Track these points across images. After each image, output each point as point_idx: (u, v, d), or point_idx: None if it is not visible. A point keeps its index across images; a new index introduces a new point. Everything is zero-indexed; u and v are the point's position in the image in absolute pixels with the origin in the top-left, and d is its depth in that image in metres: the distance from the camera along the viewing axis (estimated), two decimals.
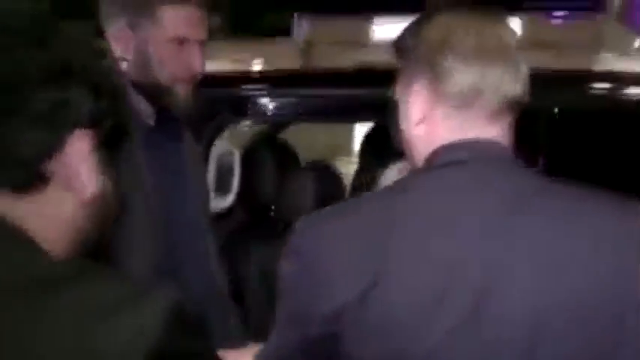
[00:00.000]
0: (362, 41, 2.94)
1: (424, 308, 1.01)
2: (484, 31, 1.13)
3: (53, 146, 0.83)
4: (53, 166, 0.83)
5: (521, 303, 1.01)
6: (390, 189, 1.17)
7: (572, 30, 3.23)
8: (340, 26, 3.83)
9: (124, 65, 1.68)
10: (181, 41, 1.69)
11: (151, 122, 1.75)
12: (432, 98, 1.11)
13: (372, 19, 3.46)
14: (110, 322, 0.74)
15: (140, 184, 1.64)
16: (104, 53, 0.90)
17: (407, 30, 1.19)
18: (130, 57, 1.69)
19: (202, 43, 1.71)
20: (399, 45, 1.19)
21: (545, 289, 1.01)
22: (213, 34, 1.79)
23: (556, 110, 1.91)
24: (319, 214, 1.15)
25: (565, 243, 1.03)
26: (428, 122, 1.12)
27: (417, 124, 1.13)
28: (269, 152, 2.64)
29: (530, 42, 3.18)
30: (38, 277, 0.78)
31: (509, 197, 1.06)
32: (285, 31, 4.52)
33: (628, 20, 3.45)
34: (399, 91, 1.18)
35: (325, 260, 1.05)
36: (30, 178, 0.82)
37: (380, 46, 2.35)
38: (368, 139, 2.77)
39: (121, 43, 1.68)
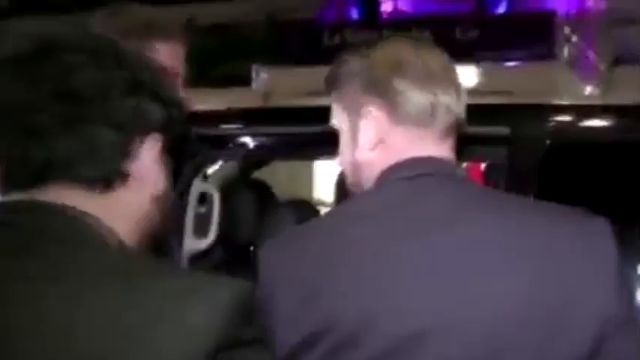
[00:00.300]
0: (321, 90, 3.00)
1: (367, 324, 1.01)
2: (430, 55, 1.17)
3: (130, 148, 0.92)
4: (130, 166, 0.92)
5: (463, 317, 1.01)
6: (345, 209, 1.18)
7: (526, 77, 3.42)
8: (298, 76, 3.95)
9: None
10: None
11: None
12: (390, 120, 1.15)
13: None
14: (182, 306, 0.79)
15: None
16: (162, 72, 1.00)
17: (346, 59, 1.22)
18: None
19: (182, 79, 1.78)
20: (337, 74, 1.23)
21: (486, 301, 1.01)
22: None
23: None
24: (279, 242, 1.14)
25: (509, 256, 1.03)
26: (385, 144, 1.16)
27: (373, 147, 1.16)
28: (248, 191, 2.69)
29: (485, 88, 3.36)
30: (114, 269, 0.85)
31: (454, 211, 1.07)
32: (244, 80, 4.63)
33: (578, 68, 3.67)
34: (340, 120, 1.22)
35: (276, 301, 1.07)
36: (111, 175, 0.91)
37: None
38: (342, 177, 2.84)
39: None
